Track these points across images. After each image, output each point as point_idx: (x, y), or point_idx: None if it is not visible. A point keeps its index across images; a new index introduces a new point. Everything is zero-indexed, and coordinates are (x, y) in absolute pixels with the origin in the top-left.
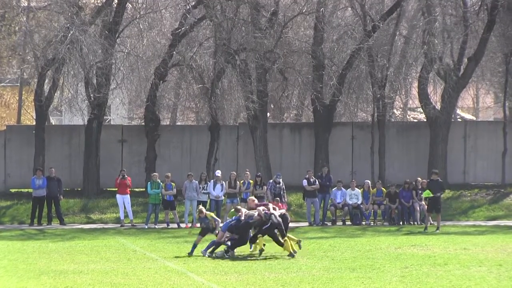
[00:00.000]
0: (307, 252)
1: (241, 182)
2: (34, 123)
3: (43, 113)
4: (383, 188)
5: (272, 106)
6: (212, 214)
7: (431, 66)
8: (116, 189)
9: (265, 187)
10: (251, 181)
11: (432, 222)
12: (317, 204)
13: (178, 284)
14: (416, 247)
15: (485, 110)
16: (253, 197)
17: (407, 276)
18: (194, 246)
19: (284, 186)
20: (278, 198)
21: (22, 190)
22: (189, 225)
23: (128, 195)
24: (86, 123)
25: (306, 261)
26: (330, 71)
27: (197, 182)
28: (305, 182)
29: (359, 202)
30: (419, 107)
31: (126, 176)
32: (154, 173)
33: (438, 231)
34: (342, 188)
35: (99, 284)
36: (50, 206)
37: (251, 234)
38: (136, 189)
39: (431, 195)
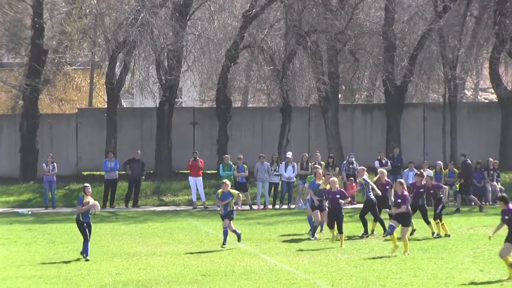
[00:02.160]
0: (379, 234)
1: (313, 163)
2: (106, 106)
3: (114, 96)
4: (455, 169)
5: (343, 87)
6: (235, 192)
7: (503, 47)
8: (188, 171)
9: (337, 169)
10: (322, 162)
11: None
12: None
13: (251, 266)
14: (488, 228)
15: None
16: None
17: (479, 257)
18: (225, 234)
19: (357, 167)
20: (352, 179)
21: (94, 172)
22: (261, 206)
23: (201, 177)
24: (157, 106)
25: (378, 242)
26: (401, 52)
27: (268, 164)
28: (377, 163)
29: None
30: (490, 88)
31: (198, 158)
32: (226, 155)
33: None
34: (414, 169)
35: (172, 265)
36: (132, 188)
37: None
38: (208, 171)
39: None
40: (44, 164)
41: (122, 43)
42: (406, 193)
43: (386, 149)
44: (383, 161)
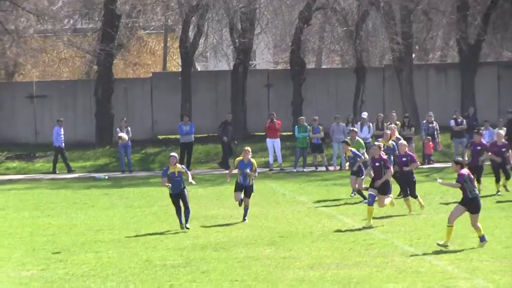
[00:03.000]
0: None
1: (388, 123)
2: (180, 69)
3: (188, 60)
4: None
5: (416, 47)
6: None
7: None
8: (264, 133)
9: (413, 128)
10: (398, 122)
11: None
12: (465, 144)
13: (329, 227)
14: None
15: None
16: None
17: None
18: (245, 210)
19: (437, 127)
20: (430, 137)
21: (170, 136)
22: (337, 167)
23: (278, 139)
24: (231, 69)
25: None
26: (474, 11)
27: (344, 124)
28: (452, 123)
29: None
30: None
31: (275, 119)
32: (301, 117)
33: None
34: (490, 128)
35: (250, 228)
36: (227, 150)
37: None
38: (283, 133)
39: None
40: (118, 129)
41: (195, 7)
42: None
43: (461, 108)
44: (459, 120)
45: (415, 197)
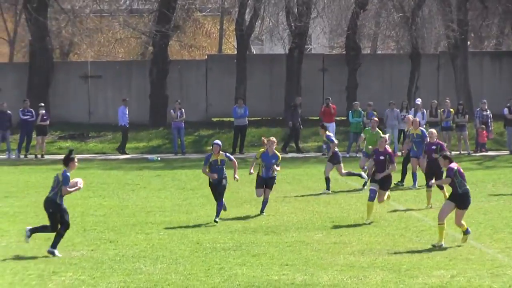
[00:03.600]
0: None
1: (441, 110)
2: (235, 52)
3: (244, 42)
4: None
5: (472, 35)
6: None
7: None
8: (318, 118)
9: (467, 116)
10: (452, 110)
11: None
12: None
13: (380, 213)
14: None
15: None
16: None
17: None
18: (264, 203)
19: (491, 115)
20: (484, 126)
21: (224, 119)
22: (399, 154)
23: (334, 123)
24: (287, 52)
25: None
26: None
27: (398, 110)
28: (505, 111)
29: None
30: None
31: (331, 104)
32: (356, 102)
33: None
34: None
35: (301, 212)
36: (293, 134)
37: None
38: (337, 118)
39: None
40: (172, 111)
41: None
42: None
43: None
44: (508, 109)
45: (441, 188)
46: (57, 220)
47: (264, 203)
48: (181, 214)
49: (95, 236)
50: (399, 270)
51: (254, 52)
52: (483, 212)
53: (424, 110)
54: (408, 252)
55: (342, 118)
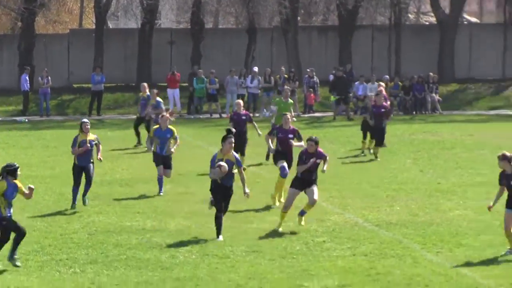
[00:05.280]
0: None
1: (277, 76)
2: (94, 27)
3: (102, 18)
4: (399, 82)
5: (302, 11)
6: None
7: None
8: (166, 84)
9: (297, 82)
10: (285, 75)
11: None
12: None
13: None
14: (427, 133)
15: (488, 14)
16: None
17: (419, 159)
18: (160, 182)
19: (318, 81)
20: (312, 89)
21: (84, 85)
22: (229, 115)
23: (178, 89)
24: (139, 27)
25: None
26: None
27: (237, 77)
28: (331, 77)
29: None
30: (430, 12)
31: (175, 72)
32: (199, 70)
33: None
34: (364, 82)
35: (149, 167)
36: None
37: None
38: (183, 84)
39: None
40: (39, 78)
41: None
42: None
43: (339, 65)
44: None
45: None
46: None
47: (162, 181)
48: (46, 169)
49: None
50: (236, 217)
51: (111, 27)
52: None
53: (259, 77)
54: (244, 200)
55: (187, 84)
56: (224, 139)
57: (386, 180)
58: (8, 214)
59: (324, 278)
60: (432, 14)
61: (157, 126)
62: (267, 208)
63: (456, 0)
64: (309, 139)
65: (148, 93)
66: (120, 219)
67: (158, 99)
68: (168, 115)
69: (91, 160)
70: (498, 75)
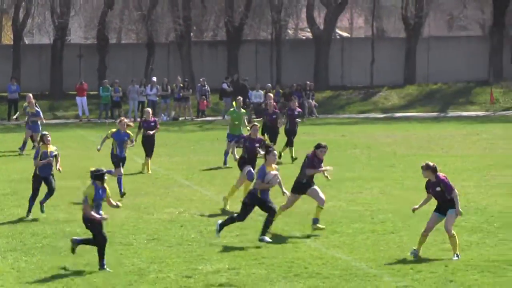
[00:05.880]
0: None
1: (173, 85)
2: (12, 42)
3: (18, 35)
4: (280, 90)
5: (194, 28)
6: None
7: None
8: (76, 92)
9: (190, 90)
10: (181, 85)
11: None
12: (230, 101)
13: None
14: (305, 135)
15: (358, 29)
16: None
17: (299, 158)
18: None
19: (209, 89)
20: (204, 97)
21: (2, 94)
22: (132, 119)
23: (85, 97)
24: (52, 43)
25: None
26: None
27: (138, 86)
28: (225, 85)
29: (261, 101)
30: (307, 27)
31: (83, 82)
32: (105, 80)
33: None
34: (259, 90)
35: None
36: None
37: None
38: (91, 93)
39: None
40: None
41: None
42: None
43: (228, 74)
44: (227, 84)
45: None
46: None
47: (121, 180)
48: None
49: None
50: (139, 208)
51: (27, 43)
52: (204, 163)
53: (158, 86)
54: (146, 194)
55: (95, 92)
56: (268, 152)
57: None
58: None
59: (216, 262)
60: (309, 30)
61: (115, 129)
62: (167, 201)
63: (329, 17)
64: (323, 146)
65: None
66: (36, 212)
67: (37, 108)
68: (125, 120)
69: (52, 171)
70: (367, 83)
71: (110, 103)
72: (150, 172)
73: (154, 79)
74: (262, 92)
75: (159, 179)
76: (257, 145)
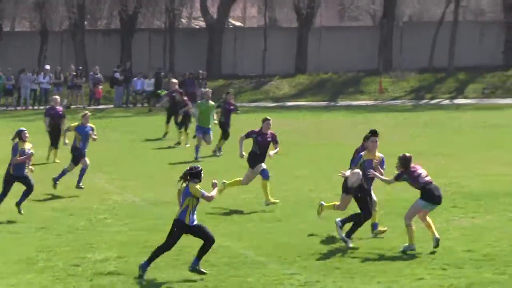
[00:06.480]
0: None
1: (67, 73)
2: None
3: None
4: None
5: (88, 16)
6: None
7: None
8: None
9: (84, 78)
10: (74, 73)
11: None
12: (122, 90)
13: None
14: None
15: (251, 18)
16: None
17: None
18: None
19: (102, 77)
20: (97, 84)
21: None
22: (24, 107)
23: None
24: None
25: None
26: None
27: (30, 74)
28: (117, 74)
29: (153, 90)
30: (200, 17)
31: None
32: None
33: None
34: (142, 78)
35: None
36: None
37: None
38: None
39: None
40: None
41: None
42: None
43: (120, 62)
44: (118, 73)
45: None
46: None
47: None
48: None
49: None
50: (30, 198)
51: None
52: (96, 152)
53: (51, 74)
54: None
55: None
56: (366, 138)
57: (166, 164)
58: (192, 223)
59: (105, 250)
60: (202, 19)
61: (77, 123)
62: (61, 190)
63: (222, 6)
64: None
65: None
66: None
67: None
68: (89, 113)
69: (26, 170)
70: (258, 72)
71: (2, 91)
72: (58, 161)
73: (47, 67)
74: (153, 80)
75: (50, 167)
76: (269, 139)
